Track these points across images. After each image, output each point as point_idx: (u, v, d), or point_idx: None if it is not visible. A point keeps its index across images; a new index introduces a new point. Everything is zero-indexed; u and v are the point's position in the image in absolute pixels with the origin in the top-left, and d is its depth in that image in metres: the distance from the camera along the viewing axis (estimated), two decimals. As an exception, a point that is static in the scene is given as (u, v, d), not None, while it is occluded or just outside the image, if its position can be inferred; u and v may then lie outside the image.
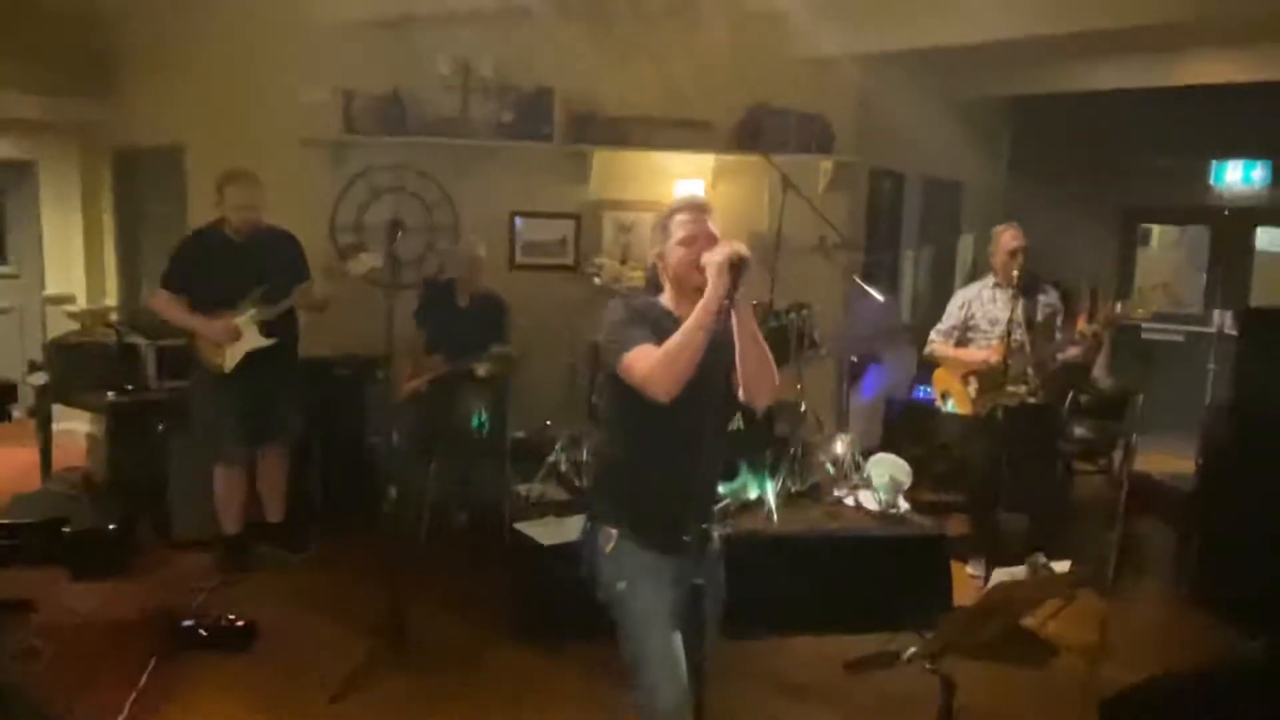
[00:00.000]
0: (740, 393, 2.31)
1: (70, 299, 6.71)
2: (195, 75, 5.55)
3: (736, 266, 2.10)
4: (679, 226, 2.32)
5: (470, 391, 4.65)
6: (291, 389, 4.43)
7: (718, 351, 2.21)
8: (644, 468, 2.36)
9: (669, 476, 2.29)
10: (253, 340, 4.19)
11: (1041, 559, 1.69)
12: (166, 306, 4.22)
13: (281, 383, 4.34)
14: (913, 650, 1.90)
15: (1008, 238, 4.50)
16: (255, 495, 4.50)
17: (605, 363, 2.30)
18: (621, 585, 2.33)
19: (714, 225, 2.33)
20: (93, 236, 6.71)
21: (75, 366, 4.95)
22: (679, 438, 2.23)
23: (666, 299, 2.39)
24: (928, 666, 1.92)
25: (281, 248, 4.33)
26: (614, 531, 2.36)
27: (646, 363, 2.18)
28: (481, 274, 4.80)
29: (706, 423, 2.26)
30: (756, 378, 2.27)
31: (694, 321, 2.14)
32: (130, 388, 4.79)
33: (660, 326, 2.26)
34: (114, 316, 6.32)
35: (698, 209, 2.35)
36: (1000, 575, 1.78)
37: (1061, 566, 1.76)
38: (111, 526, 4.39)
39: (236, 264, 4.20)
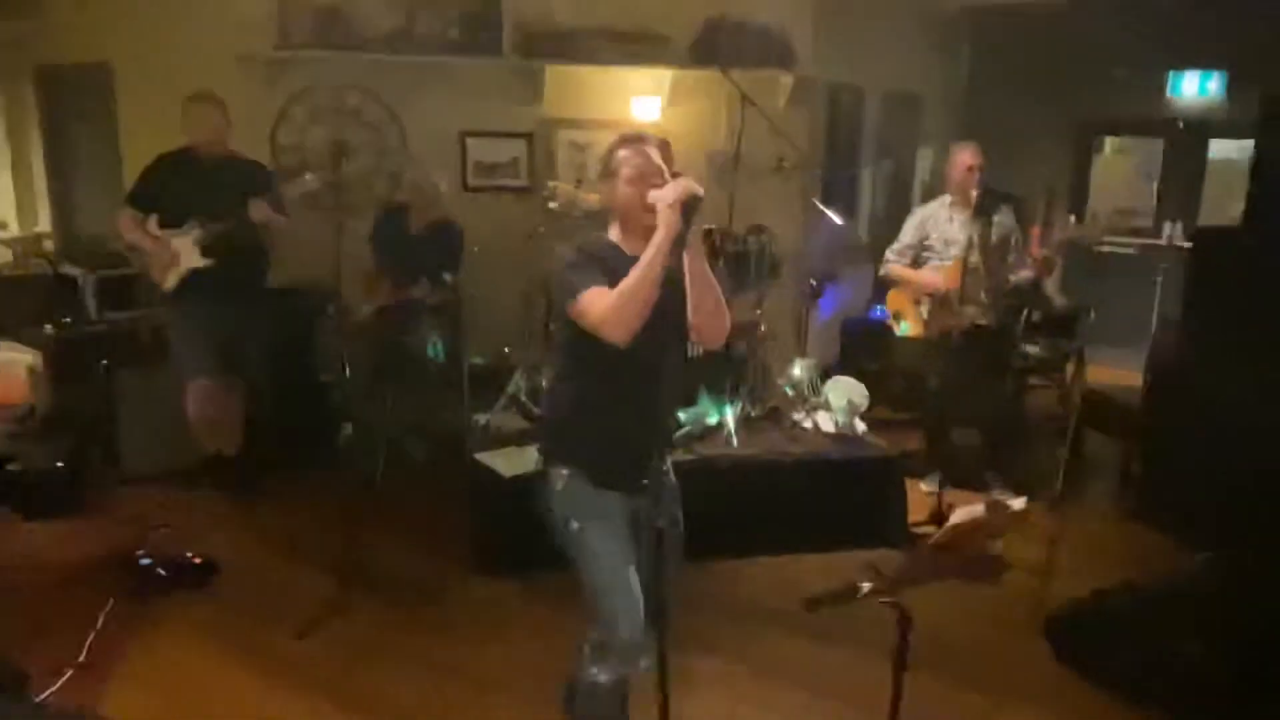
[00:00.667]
0: (692, 332, 2.29)
1: (1, 225, 6.43)
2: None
3: (688, 205, 2.06)
4: (623, 164, 2.26)
5: (424, 320, 4.56)
6: (251, 317, 4.31)
7: (671, 290, 2.19)
8: (597, 407, 2.34)
9: (623, 416, 2.31)
10: (190, 260, 4.08)
11: (998, 494, 1.71)
12: (126, 224, 4.14)
13: (236, 310, 4.21)
14: (870, 585, 1.93)
15: (965, 156, 4.47)
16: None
17: (557, 305, 2.25)
18: (575, 525, 2.33)
19: (660, 159, 2.26)
20: (20, 160, 6.39)
21: (9, 300, 4.79)
22: (633, 377, 2.25)
23: (615, 235, 2.34)
24: (884, 601, 1.95)
25: (248, 175, 4.20)
26: (564, 471, 2.35)
27: (600, 305, 2.14)
28: (439, 206, 4.66)
29: (661, 361, 2.28)
30: (708, 319, 2.26)
31: (646, 262, 2.10)
32: (69, 320, 4.64)
33: (610, 265, 2.22)
34: (48, 244, 6.09)
35: (641, 143, 2.28)
36: (959, 515, 1.80)
37: (1018, 502, 1.79)
38: (59, 464, 4.30)
39: (202, 186, 4.08)
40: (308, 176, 4.17)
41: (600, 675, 2.35)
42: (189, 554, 3.69)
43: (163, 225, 4.09)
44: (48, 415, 4.82)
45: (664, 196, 2.09)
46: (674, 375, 2.44)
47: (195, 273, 4.07)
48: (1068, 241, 4.33)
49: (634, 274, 2.11)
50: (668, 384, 2.39)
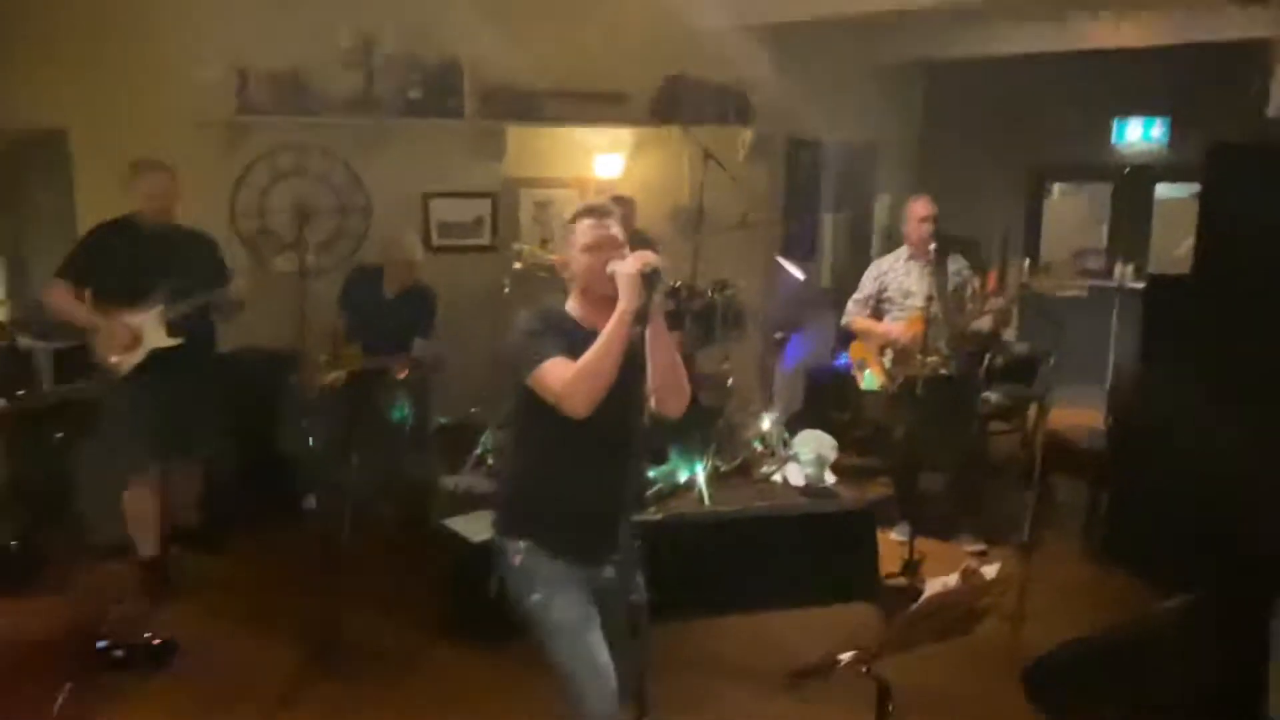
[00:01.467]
0: (652, 402, 2.29)
1: (-48, 294, 6.29)
2: (75, 53, 5.18)
3: (649, 278, 2.08)
4: (582, 233, 2.25)
5: (391, 383, 4.52)
6: (205, 398, 4.08)
7: (631, 359, 2.18)
8: (555, 477, 2.31)
9: (582, 486, 2.29)
10: (156, 339, 3.82)
11: (973, 565, 1.72)
12: (60, 299, 3.81)
13: (194, 391, 3.99)
14: (849, 655, 1.93)
15: (918, 208, 4.56)
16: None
17: (515, 376, 2.22)
18: (535, 598, 2.28)
19: (620, 231, 2.27)
20: (-28, 227, 6.26)
21: (-40, 373, 4.65)
22: (591, 447, 2.24)
23: (572, 306, 2.33)
24: (864, 671, 1.95)
25: (197, 247, 4.04)
26: (522, 544, 2.31)
27: (561, 377, 2.12)
28: (415, 271, 4.63)
29: (620, 431, 2.28)
30: (669, 388, 2.26)
31: (608, 335, 2.10)
32: (22, 393, 4.52)
33: (569, 337, 2.21)
34: (1, 312, 5.96)
35: (602, 214, 2.29)
36: (934, 587, 1.81)
37: (991, 570, 1.80)
38: (13, 542, 4.17)
39: (145, 258, 3.84)
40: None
41: None
42: (147, 635, 3.57)
43: (100, 297, 3.79)
44: (1, 491, 4.68)
45: (625, 269, 2.10)
46: (635, 445, 2.40)
47: (155, 353, 3.83)
48: (1023, 291, 4.42)
49: (597, 347, 2.10)
50: (628, 453, 2.36)
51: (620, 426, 2.26)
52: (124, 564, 4.22)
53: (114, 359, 3.82)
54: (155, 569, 4.06)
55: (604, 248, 2.22)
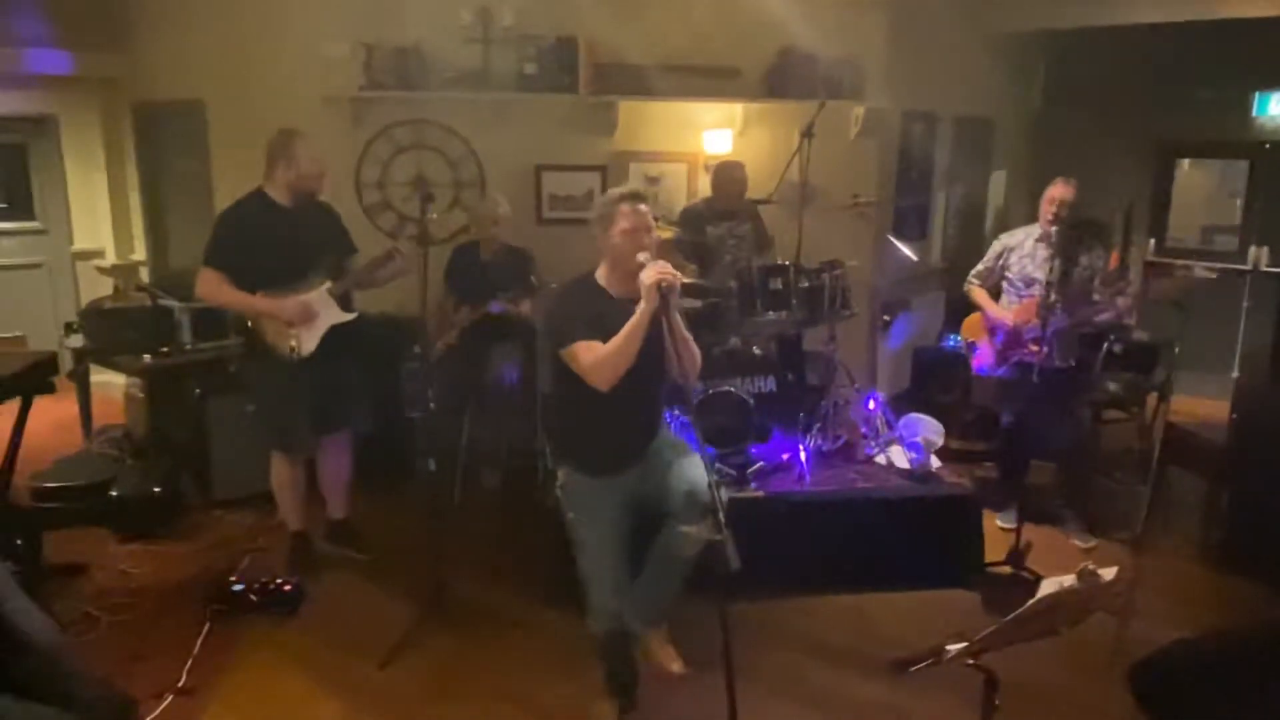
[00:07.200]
0: (673, 371, 2.75)
1: (99, 254, 6.75)
2: (213, 29, 5.46)
3: (665, 290, 2.53)
4: (621, 217, 2.74)
5: (499, 348, 4.68)
6: (364, 371, 4.04)
7: (652, 336, 2.68)
8: (592, 422, 2.84)
9: (614, 426, 2.84)
10: (333, 316, 3.77)
11: (1090, 566, 1.69)
12: (218, 289, 3.68)
13: (355, 363, 3.95)
14: (958, 647, 1.94)
15: (1055, 190, 4.37)
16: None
17: (550, 346, 2.83)
18: (571, 516, 2.92)
19: (652, 218, 2.78)
20: (117, 191, 6.70)
21: (111, 330, 5.00)
22: (621, 400, 2.74)
23: (602, 274, 2.86)
24: (970, 663, 1.96)
25: (327, 217, 3.95)
26: (563, 470, 2.94)
27: (589, 358, 2.68)
28: (503, 230, 4.77)
29: (644, 387, 2.85)
30: (685, 365, 2.69)
31: (629, 330, 2.61)
32: (165, 350, 4.84)
33: (597, 310, 2.74)
34: (143, 272, 6.37)
35: (638, 200, 2.78)
36: (1048, 586, 1.80)
37: (1108, 572, 1.78)
38: (157, 489, 4.50)
39: (294, 235, 3.72)
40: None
41: (593, 627, 3.01)
42: (279, 580, 3.82)
43: (245, 281, 3.69)
44: (145, 441, 5.04)
45: (645, 278, 2.54)
46: (657, 393, 3.01)
47: (333, 330, 3.78)
48: (1153, 292, 4.26)
49: (619, 338, 2.62)
50: (652, 400, 3.01)
51: (644, 382, 2.79)
52: (255, 514, 4.54)
53: (289, 344, 3.73)
54: (302, 542, 4.17)
55: (637, 232, 2.72)
